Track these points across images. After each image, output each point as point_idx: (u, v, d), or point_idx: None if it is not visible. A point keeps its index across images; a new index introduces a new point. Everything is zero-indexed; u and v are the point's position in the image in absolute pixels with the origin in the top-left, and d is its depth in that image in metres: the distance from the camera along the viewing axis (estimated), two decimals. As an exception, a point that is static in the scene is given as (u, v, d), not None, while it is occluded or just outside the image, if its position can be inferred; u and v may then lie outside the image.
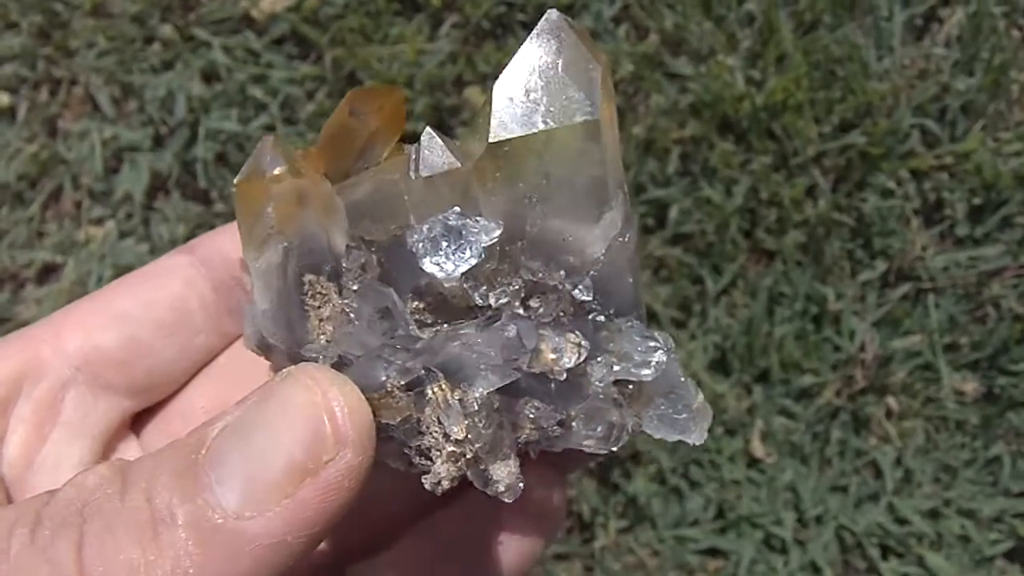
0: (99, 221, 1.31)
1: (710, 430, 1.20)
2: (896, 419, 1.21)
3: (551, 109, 0.34)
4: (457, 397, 0.35)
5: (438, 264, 0.35)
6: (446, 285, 0.35)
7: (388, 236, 0.37)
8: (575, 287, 0.36)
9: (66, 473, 0.39)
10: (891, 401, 1.21)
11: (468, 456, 0.35)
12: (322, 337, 0.37)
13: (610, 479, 1.19)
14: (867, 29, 1.30)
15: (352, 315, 0.36)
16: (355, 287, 0.36)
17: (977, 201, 1.25)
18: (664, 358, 0.36)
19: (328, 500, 0.31)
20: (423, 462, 0.37)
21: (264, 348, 0.38)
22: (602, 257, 0.36)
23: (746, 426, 1.20)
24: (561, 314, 0.36)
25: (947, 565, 1.15)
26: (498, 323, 0.35)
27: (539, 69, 0.34)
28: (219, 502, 0.30)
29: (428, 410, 0.36)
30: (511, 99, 0.34)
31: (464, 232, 0.35)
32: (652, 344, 0.37)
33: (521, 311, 0.36)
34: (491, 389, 0.35)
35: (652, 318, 1.23)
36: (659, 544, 1.17)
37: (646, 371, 0.37)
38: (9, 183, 1.31)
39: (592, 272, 0.36)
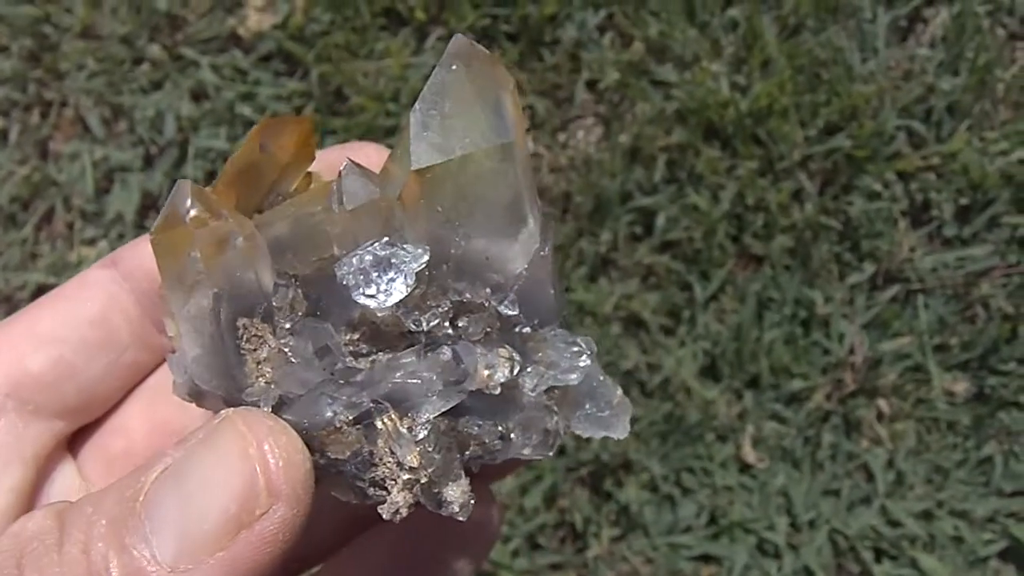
0: (91, 241, 1.32)
1: (701, 436, 1.19)
2: (887, 421, 1.21)
3: (466, 133, 0.35)
4: (406, 426, 0.36)
5: (372, 296, 0.35)
6: (379, 314, 0.36)
7: (312, 269, 0.37)
8: (501, 303, 0.37)
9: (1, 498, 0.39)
10: (882, 403, 1.21)
11: (423, 482, 0.36)
12: (261, 379, 0.37)
13: (602, 488, 1.20)
14: (851, 31, 1.31)
15: (290, 354, 0.36)
16: (288, 325, 0.36)
17: (964, 201, 1.25)
18: (588, 362, 0.38)
19: (263, 553, 0.31)
20: (378, 492, 0.37)
21: (196, 395, 0.37)
22: (524, 272, 0.37)
23: (737, 432, 1.20)
24: (488, 330, 0.37)
25: (941, 567, 1.15)
26: (435, 348, 0.36)
27: (451, 94, 0.35)
28: (154, 554, 0.30)
29: (380, 442, 0.36)
30: (426, 125, 0.35)
31: (393, 261, 0.35)
32: (576, 349, 0.38)
33: (451, 331, 0.37)
34: (437, 414, 0.36)
35: (640, 325, 1.23)
36: (652, 552, 1.17)
37: (573, 376, 0.38)
38: (2, 205, 1.32)
39: (515, 287, 0.37)
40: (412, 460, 0.36)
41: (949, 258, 1.24)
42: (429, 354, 0.35)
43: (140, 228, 1.31)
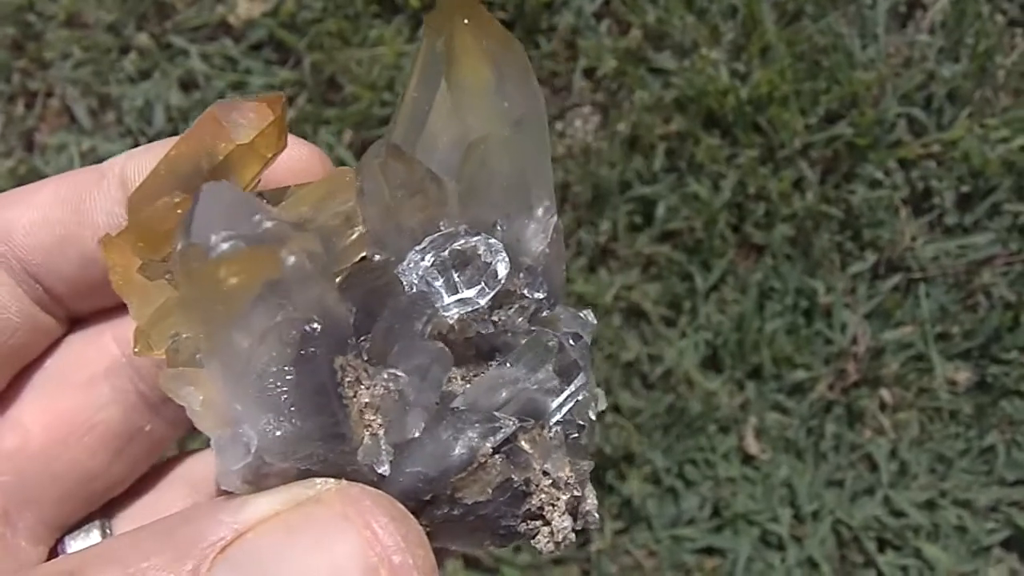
0: (80, 235, 1.29)
1: (703, 428, 1.18)
2: (890, 411, 1.20)
3: (507, 109, 0.31)
4: (550, 439, 0.32)
5: (462, 298, 0.30)
6: (455, 319, 0.31)
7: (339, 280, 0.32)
8: (533, 288, 0.33)
9: None
10: (884, 393, 1.20)
11: (577, 495, 0.32)
12: (367, 431, 0.29)
13: (605, 481, 1.18)
14: (851, 18, 1.29)
15: (396, 389, 0.29)
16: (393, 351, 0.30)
17: (965, 189, 1.24)
18: (589, 340, 0.35)
19: None
20: (532, 525, 0.32)
21: (259, 479, 0.29)
22: (546, 250, 0.34)
23: (740, 423, 1.19)
24: (525, 319, 0.33)
25: (944, 556, 1.15)
26: (531, 343, 0.32)
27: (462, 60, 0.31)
28: None
29: (535, 464, 0.31)
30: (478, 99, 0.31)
31: (473, 252, 0.31)
32: (585, 325, 0.35)
33: (491, 327, 0.32)
34: (562, 415, 0.32)
35: (641, 316, 1.22)
36: (655, 545, 1.16)
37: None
38: (-13, 199, 1.29)
39: (541, 267, 0.34)
40: (567, 474, 0.31)
41: (950, 246, 1.23)
42: (532, 352, 0.31)
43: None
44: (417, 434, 0.29)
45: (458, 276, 0.31)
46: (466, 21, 0.31)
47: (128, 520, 0.40)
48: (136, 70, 1.32)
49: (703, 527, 1.17)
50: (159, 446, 0.40)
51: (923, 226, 1.25)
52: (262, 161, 0.32)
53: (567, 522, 0.31)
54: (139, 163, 0.36)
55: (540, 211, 0.33)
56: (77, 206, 0.36)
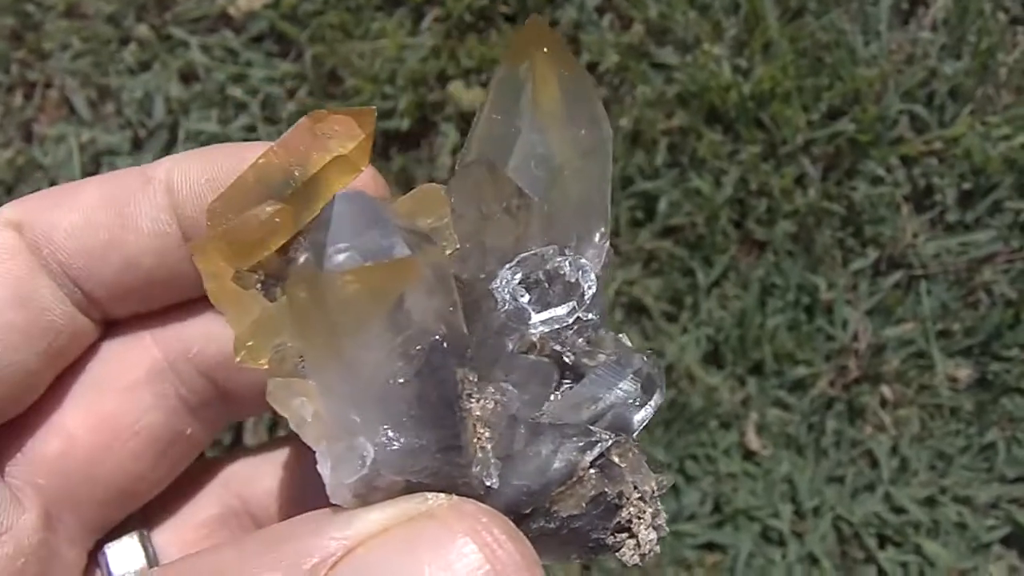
0: (79, 227, 1.28)
1: (704, 423, 1.17)
2: (891, 408, 1.20)
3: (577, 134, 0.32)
4: (638, 452, 0.32)
5: (551, 316, 0.30)
6: (538, 336, 0.32)
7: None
8: (587, 310, 0.34)
9: None
10: (885, 390, 1.20)
11: (659, 508, 0.33)
12: (478, 445, 0.29)
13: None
14: (853, 14, 1.29)
15: (506, 402, 0.29)
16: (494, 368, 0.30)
17: (967, 186, 1.24)
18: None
19: None
20: (619, 538, 0.32)
21: (369, 491, 0.28)
22: (600, 273, 0.34)
23: (741, 419, 1.19)
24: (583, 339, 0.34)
25: (944, 552, 1.15)
26: (618, 358, 0.32)
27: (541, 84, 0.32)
28: None
29: (629, 478, 0.31)
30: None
31: (561, 273, 0.31)
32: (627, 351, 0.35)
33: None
34: (642, 427, 0.32)
35: (643, 311, 1.21)
36: (656, 540, 1.16)
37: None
38: (-15, 190, 1.28)
39: (596, 290, 0.34)
40: (653, 487, 0.31)
41: (952, 244, 1.23)
42: (621, 364, 0.32)
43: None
44: (522, 447, 0.30)
45: (549, 295, 0.31)
46: (545, 50, 0.32)
47: (169, 530, 0.40)
48: (136, 61, 1.31)
49: (704, 523, 1.17)
50: (196, 449, 0.40)
51: (924, 223, 1.25)
52: (356, 173, 0.32)
53: (652, 535, 0.31)
54: (185, 169, 0.36)
55: (597, 236, 0.34)
56: (121, 210, 0.36)
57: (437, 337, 0.27)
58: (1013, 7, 1.31)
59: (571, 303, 0.31)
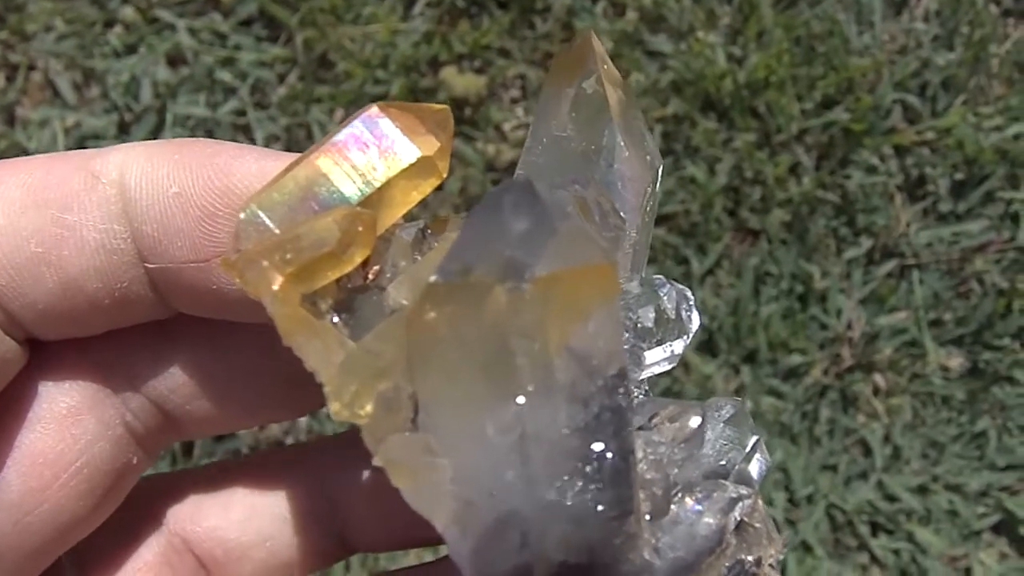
0: (63, 212, 1.26)
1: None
2: (884, 396, 1.21)
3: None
4: (765, 510, 0.27)
5: (670, 355, 0.27)
6: (642, 378, 0.28)
7: None
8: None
9: None
10: (878, 378, 1.21)
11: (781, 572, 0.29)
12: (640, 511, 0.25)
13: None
14: (847, 4, 1.29)
15: (656, 459, 0.25)
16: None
17: (959, 176, 1.25)
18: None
19: None
20: None
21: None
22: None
23: (735, 407, 1.19)
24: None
25: (936, 540, 1.16)
26: (739, 414, 0.28)
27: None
28: None
29: (765, 541, 0.27)
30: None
31: (660, 305, 0.28)
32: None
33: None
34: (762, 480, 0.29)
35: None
36: (651, 529, 1.16)
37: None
38: (-34, 174, 1.25)
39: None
40: (779, 551, 0.27)
41: (944, 233, 1.23)
42: (740, 419, 0.27)
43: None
44: (664, 507, 0.24)
45: (662, 330, 0.27)
46: (605, 67, 0.28)
47: (102, 569, 0.34)
48: (122, 44, 1.28)
49: (698, 511, 1.16)
50: (136, 478, 0.34)
51: (917, 213, 1.25)
52: (439, 180, 0.26)
53: None
54: (147, 173, 0.28)
55: (637, 280, 0.32)
56: (58, 216, 0.28)
57: (614, 373, 0.21)
58: (1005, -2, 1.32)
59: (684, 337, 0.27)
